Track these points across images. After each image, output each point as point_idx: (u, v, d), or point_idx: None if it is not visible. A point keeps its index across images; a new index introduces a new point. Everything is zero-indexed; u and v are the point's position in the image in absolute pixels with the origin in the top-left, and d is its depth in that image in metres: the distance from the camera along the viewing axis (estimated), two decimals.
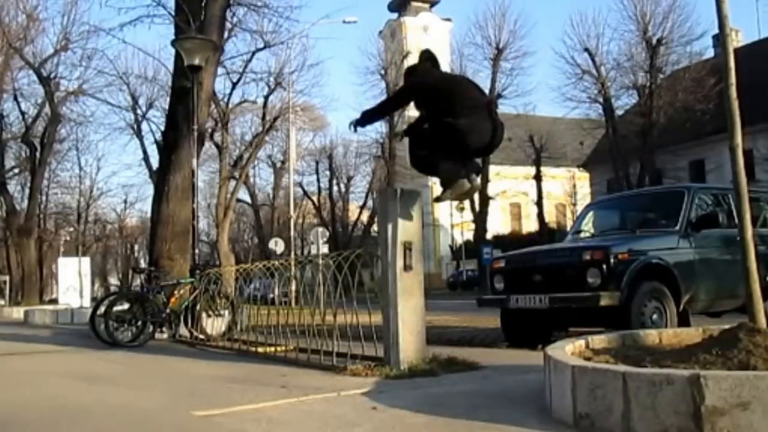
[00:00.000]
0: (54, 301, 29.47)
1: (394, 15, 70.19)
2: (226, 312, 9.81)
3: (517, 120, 44.86)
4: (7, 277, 32.62)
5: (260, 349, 7.70)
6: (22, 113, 32.53)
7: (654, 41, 35.62)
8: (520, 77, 44.53)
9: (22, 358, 8.47)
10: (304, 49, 36.21)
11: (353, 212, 56.62)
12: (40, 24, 31.91)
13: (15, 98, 32.37)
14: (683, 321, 7.42)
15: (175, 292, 10.14)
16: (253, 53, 23.56)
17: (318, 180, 56.19)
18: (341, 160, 56.35)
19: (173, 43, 11.73)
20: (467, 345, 8.09)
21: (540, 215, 46.42)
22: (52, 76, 30.51)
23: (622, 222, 9.18)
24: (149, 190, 40.81)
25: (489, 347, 7.99)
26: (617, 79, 37.48)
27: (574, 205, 51.00)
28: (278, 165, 52.93)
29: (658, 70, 35.80)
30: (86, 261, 28.59)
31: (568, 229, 12.29)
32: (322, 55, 77.44)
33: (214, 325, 9.67)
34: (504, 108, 44.25)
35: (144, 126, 33.91)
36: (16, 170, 35.41)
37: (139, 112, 33.90)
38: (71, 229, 47.72)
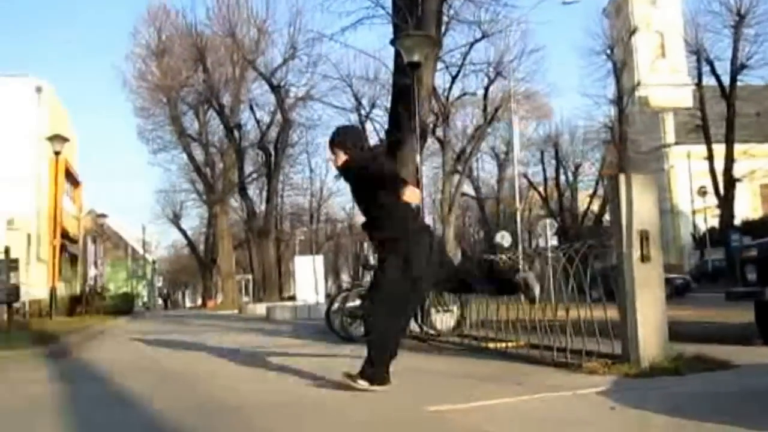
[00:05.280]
0: (292, 298, 31.37)
1: None
2: (455, 307, 9.76)
3: (766, 92, 41.35)
4: (250, 276, 35.22)
5: (491, 345, 7.58)
6: (257, 121, 35.53)
7: None
8: (766, 44, 40.40)
9: (265, 355, 8.90)
10: (523, 35, 35.69)
11: (583, 201, 54.85)
12: (269, 36, 34.40)
13: (251, 108, 35.32)
14: None
15: None
16: (471, 44, 23.64)
17: (544, 170, 55.18)
18: (567, 148, 54.97)
19: (393, 42, 11.89)
20: (716, 342, 7.44)
21: None
22: (282, 83, 32.74)
23: None
24: None
25: (741, 344, 7.29)
26: None
27: None
28: (502, 156, 52.83)
29: None
30: (320, 259, 30.11)
31: None
32: (543, 40, 75.49)
33: (444, 320, 9.66)
34: (749, 79, 40.78)
35: (368, 125, 35.08)
36: (254, 175, 38.33)
37: (362, 112, 35.17)
38: (305, 228, 50.57)
